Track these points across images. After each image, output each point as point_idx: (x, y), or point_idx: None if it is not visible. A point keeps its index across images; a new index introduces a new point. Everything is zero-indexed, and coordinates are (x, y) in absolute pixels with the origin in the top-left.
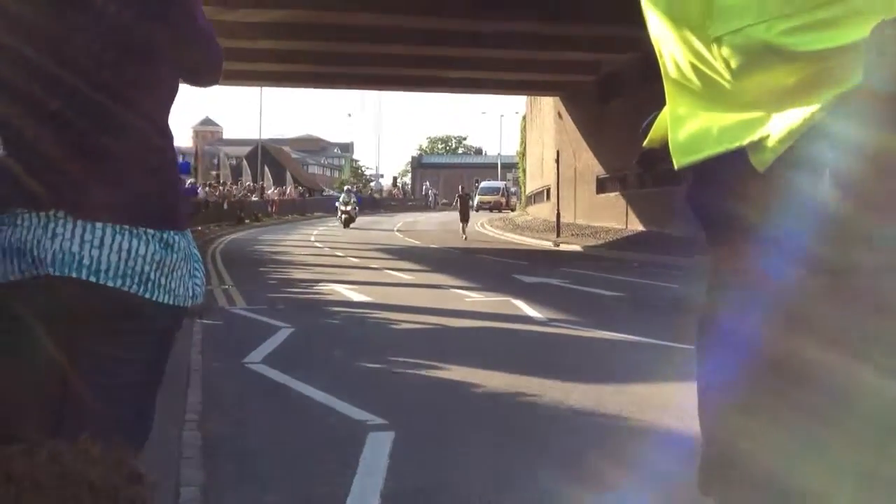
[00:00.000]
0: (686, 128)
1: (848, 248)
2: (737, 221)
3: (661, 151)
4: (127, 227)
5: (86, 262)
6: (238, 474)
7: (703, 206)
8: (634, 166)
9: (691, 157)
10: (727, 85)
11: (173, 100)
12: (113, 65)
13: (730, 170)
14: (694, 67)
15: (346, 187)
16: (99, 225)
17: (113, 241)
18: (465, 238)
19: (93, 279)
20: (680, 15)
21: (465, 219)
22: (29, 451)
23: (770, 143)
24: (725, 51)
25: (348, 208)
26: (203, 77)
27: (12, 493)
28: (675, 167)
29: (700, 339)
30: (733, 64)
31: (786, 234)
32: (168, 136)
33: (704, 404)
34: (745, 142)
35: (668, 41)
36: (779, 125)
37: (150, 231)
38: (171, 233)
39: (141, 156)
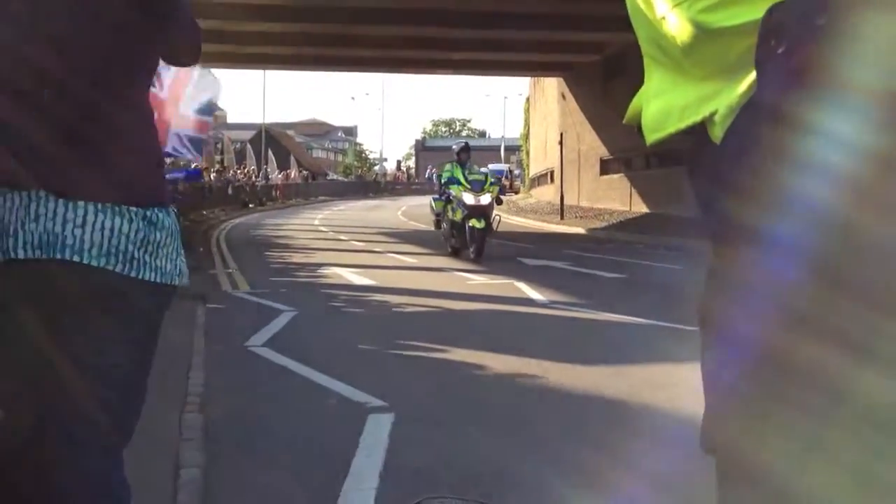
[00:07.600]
0: (654, 104)
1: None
2: (714, 205)
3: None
4: (109, 205)
5: (69, 241)
6: (238, 455)
7: (694, 189)
8: (640, 146)
9: (658, 133)
10: (683, 60)
11: (152, 78)
12: (96, 46)
13: (704, 149)
14: (657, 43)
15: (454, 156)
16: (81, 204)
17: (96, 219)
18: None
19: (76, 259)
20: None
21: None
22: None
23: (718, 117)
24: (670, 29)
25: (482, 201)
26: (183, 57)
27: None
28: (647, 144)
29: (703, 332)
30: (678, 41)
31: (761, 221)
32: (149, 114)
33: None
34: (700, 117)
35: (637, 15)
36: (724, 98)
37: (134, 209)
38: (155, 210)
39: (124, 135)
